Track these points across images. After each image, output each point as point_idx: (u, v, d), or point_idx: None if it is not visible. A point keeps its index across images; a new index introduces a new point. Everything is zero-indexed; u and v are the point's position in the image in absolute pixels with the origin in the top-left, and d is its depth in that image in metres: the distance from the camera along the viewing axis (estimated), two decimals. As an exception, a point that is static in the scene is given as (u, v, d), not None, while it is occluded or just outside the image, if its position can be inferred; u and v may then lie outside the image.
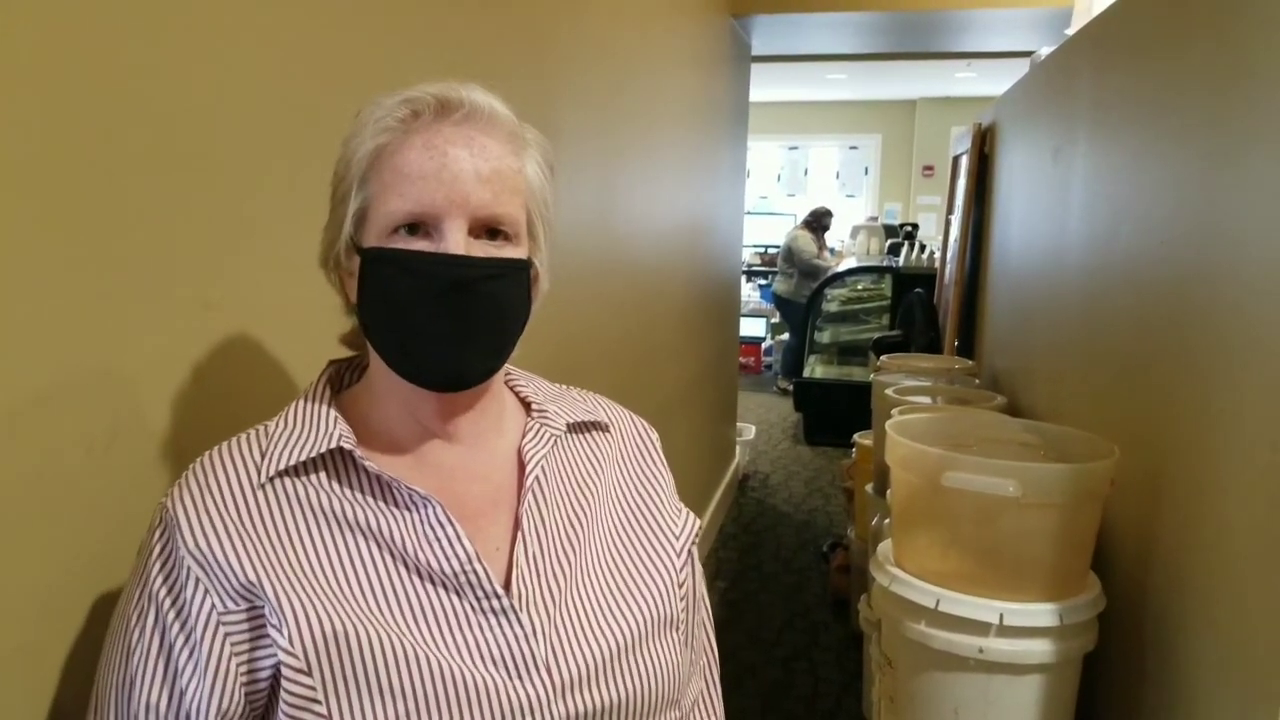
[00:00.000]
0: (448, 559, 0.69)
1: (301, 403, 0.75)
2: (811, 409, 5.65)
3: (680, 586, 0.81)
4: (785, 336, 7.13)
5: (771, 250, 8.17)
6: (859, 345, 5.82)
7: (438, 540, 0.70)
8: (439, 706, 0.65)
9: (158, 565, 0.66)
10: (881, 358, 3.38)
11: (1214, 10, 1.44)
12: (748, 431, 5.15)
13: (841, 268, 6.40)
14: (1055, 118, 2.52)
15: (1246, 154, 1.29)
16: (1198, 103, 1.48)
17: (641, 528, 0.81)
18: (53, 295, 0.70)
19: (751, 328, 7.95)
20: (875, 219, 8.48)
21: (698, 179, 3.52)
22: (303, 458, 0.70)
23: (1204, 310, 1.40)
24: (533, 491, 0.76)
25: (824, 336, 6.20)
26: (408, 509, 0.70)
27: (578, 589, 0.74)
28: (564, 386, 0.89)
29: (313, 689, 0.64)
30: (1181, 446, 1.45)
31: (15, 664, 0.69)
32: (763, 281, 8.50)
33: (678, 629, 0.79)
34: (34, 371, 0.69)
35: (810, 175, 9.29)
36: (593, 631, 0.72)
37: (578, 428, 0.83)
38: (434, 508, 0.70)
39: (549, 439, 0.79)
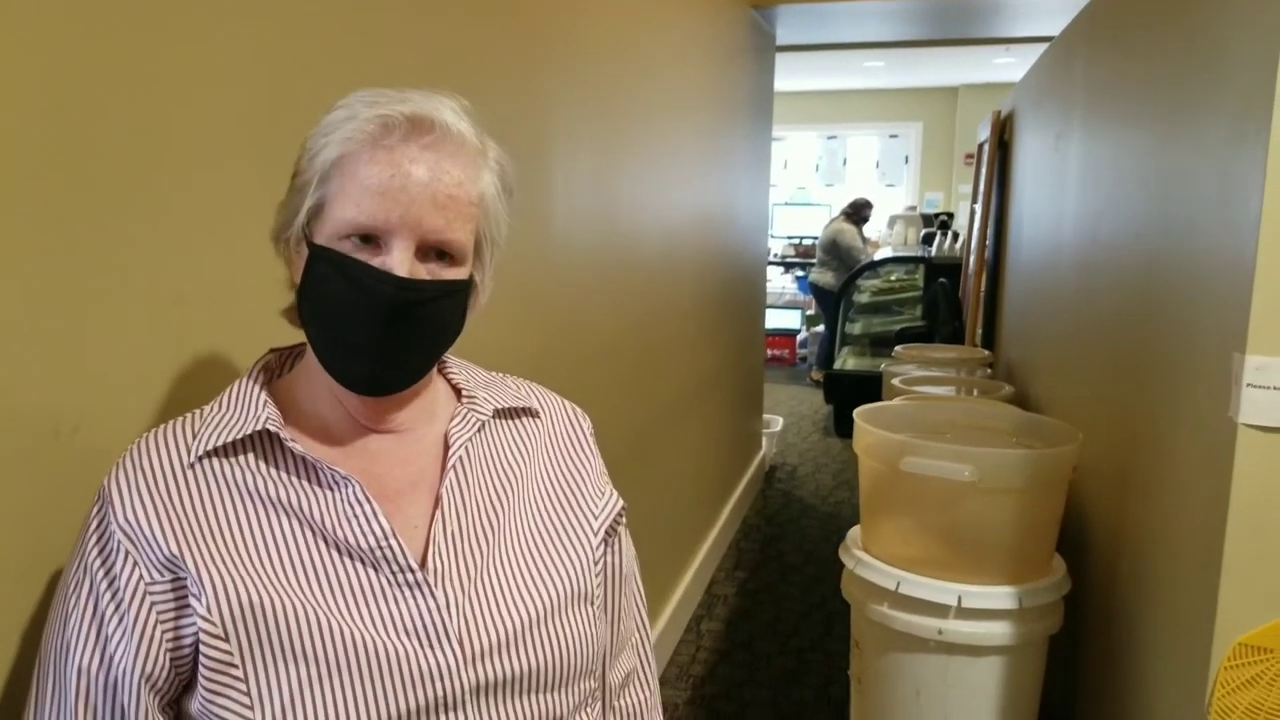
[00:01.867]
0: (364, 535, 0.73)
1: (236, 387, 0.78)
2: (842, 401, 5.63)
3: (596, 564, 0.84)
4: (820, 328, 7.11)
5: (807, 242, 8.13)
6: (890, 337, 5.78)
7: (356, 518, 0.73)
8: (350, 671, 0.69)
9: (94, 538, 0.71)
10: (897, 348, 3.38)
11: (1176, 6, 1.45)
12: (775, 423, 5.16)
13: (874, 257, 6.36)
14: (1057, 104, 2.51)
15: (1195, 147, 1.30)
16: (1161, 95, 1.48)
17: (563, 507, 0.85)
18: (28, 286, 0.77)
19: (787, 320, 7.93)
20: (914, 208, 8.38)
21: (714, 170, 3.53)
22: (230, 439, 0.74)
23: (1165, 302, 1.41)
24: (454, 472, 0.79)
25: (855, 328, 6.17)
26: (330, 489, 0.74)
27: (494, 564, 0.77)
28: (501, 375, 0.91)
29: (229, 653, 0.68)
30: (1144, 436, 1.46)
31: None
32: (800, 273, 8.47)
33: (592, 603, 0.82)
34: (6, 357, 0.75)
35: (849, 165, 9.20)
36: (507, 604, 0.75)
37: (506, 413, 0.87)
38: (353, 487, 0.74)
39: (475, 423, 0.82)
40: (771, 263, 8.09)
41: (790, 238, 8.28)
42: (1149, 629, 1.37)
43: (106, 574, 0.70)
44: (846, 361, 6.00)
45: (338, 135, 0.73)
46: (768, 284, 5.37)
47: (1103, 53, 1.95)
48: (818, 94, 8.91)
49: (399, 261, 0.71)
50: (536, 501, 0.84)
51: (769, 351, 7.67)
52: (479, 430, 0.83)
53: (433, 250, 0.74)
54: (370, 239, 0.72)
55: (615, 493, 0.91)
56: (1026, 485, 1.47)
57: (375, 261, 0.71)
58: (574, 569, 0.81)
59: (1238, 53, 1.17)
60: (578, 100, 1.96)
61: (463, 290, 0.77)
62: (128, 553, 0.70)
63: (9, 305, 0.76)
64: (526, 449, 0.86)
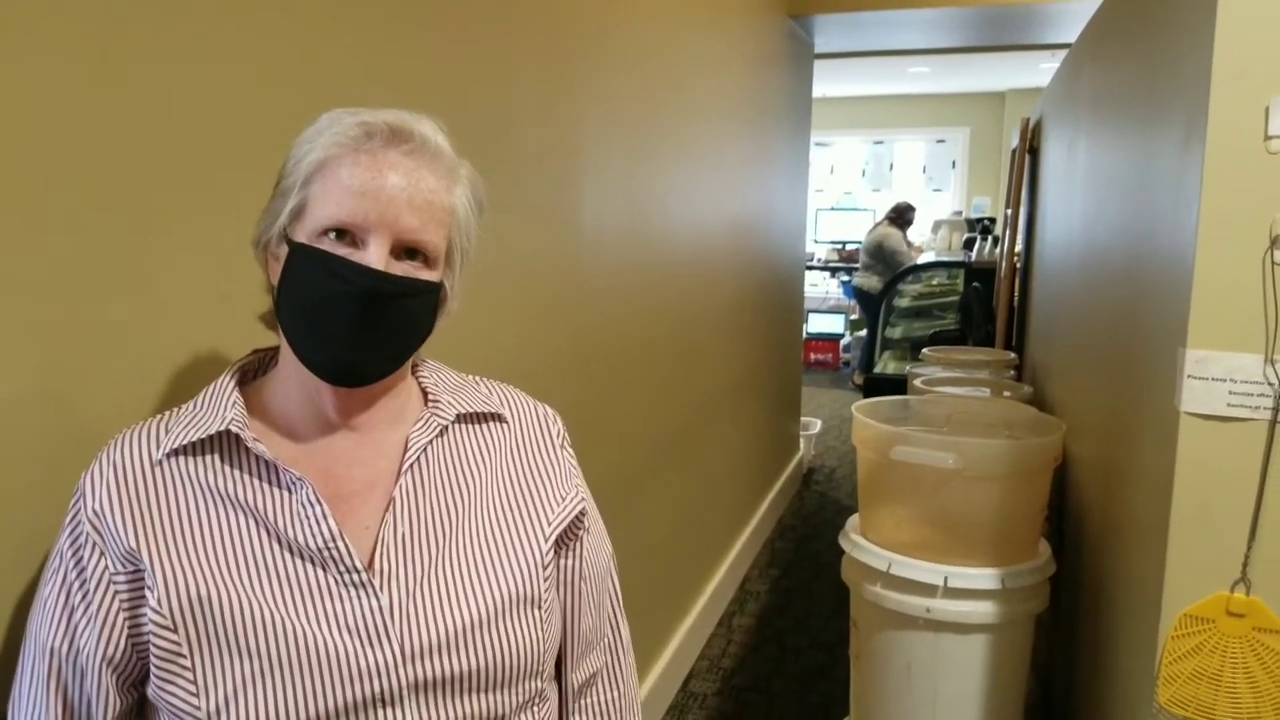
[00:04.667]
0: (314, 535, 0.75)
1: (212, 386, 0.82)
2: (882, 404, 5.68)
3: (546, 568, 0.84)
4: (863, 333, 7.16)
5: (850, 246, 8.17)
6: (929, 341, 5.82)
7: (306, 519, 0.76)
8: (291, 666, 0.72)
9: (69, 528, 0.75)
10: (925, 350, 3.46)
11: (1154, 22, 1.54)
12: (813, 426, 5.25)
13: (916, 262, 6.39)
14: (1069, 112, 2.58)
15: (1158, 156, 1.40)
16: (1138, 105, 1.58)
17: (518, 512, 0.86)
18: (82, 289, 0.84)
19: (831, 324, 7.98)
20: (960, 213, 8.37)
21: (751, 176, 3.62)
22: (195, 438, 0.77)
23: (1137, 302, 1.50)
24: (409, 475, 0.81)
25: (896, 332, 6.21)
26: (286, 489, 0.77)
27: (443, 567, 0.79)
28: (475, 379, 0.94)
29: (178, 644, 0.72)
30: (1119, 428, 1.55)
31: None
32: (845, 278, 8.50)
33: (539, 607, 0.83)
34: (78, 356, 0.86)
35: (895, 170, 9.22)
36: (451, 606, 0.77)
37: (470, 418, 0.88)
38: (306, 488, 0.76)
39: (435, 427, 0.84)
40: (815, 267, 8.16)
41: (834, 242, 8.33)
42: (1115, 606, 1.47)
43: (76, 563, 0.74)
44: (887, 365, 6.05)
45: (322, 140, 0.77)
46: (812, 288, 5.44)
47: (1101, 62, 2.03)
48: (864, 99, 8.96)
49: (375, 257, 0.75)
50: (493, 505, 0.85)
51: (812, 356, 7.74)
52: (439, 434, 0.85)
53: (406, 250, 0.77)
54: (346, 235, 0.75)
55: (580, 494, 0.92)
56: (1008, 473, 1.57)
57: (353, 257, 0.75)
58: (521, 574, 0.82)
59: (1186, 70, 1.26)
60: (609, 107, 2.03)
61: (434, 292, 0.80)
62: (95, 544, 0.74)
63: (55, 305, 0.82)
64: (489, 453, 0.87)
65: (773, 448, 4.34)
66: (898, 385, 5.64)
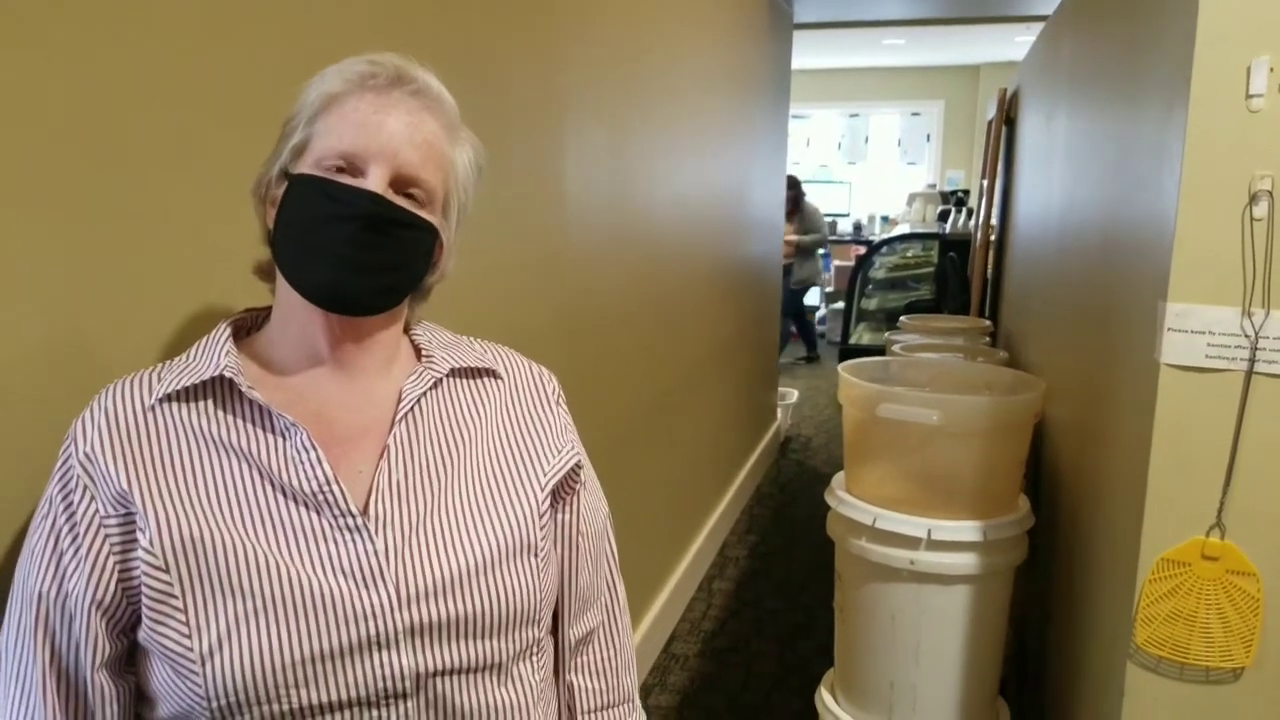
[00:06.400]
0: (308, 480, 0.75)
1: (205, 338, 0.82)
2: (857, 374, 5.76)
3: (542, 517, 0.85)
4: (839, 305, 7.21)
5: (827, 220, 8.21)
6: (904, 311, 5.90)
7: (301, 464, 0.76)
8: (286, 607, 0.72)
9: (59, 473, 0.75)
10: (902, 318, 3.51)
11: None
12: (790, 396, 5.31)
13: (891, 234, 6.45)
14: (1048, 83, 2.62)
15: (1139, 122, 1.44)
16: (1119, 75, 1.61)
17: (515, 463, 0.87)
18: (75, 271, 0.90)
19: (808, 296, 8.02)
20: (934, 186, 8.45)
21: (730, 147, 3.63)
22: (189, 383, 0.77)
23: (1115, 263, 1.55)
24: (404, 423, 0.82)
25: (871, 303, 6.29)
26: (281, 435, 0.77)
27: (439, 514, 0.79)
28: (468, 338, 0.95)
29: (169, 584, 0.72)
30: (1097, 384, 1.60)
31: None
32: (822, 251, 8.54)
33: (536, 555, 0.83)
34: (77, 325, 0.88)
35: (871, 143, 9.27)
36: (446, 551, 0.78)
37: (464, 373, 0.89)
38: (300, 434, 0.76)
39: (429, 380, 0.85)
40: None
41: (811, 216, 8.36)
42: (1091, 553, 1.52)
43: (66, 506, 0.74)
44: (862, 336, 6.13)
45: (329, 78, 0.79)
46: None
47: (1082, 33, 2.07)
48: (840, 71, 8.97)
49: (375, 184, 0.77)
50: (488, 457, 0.85)
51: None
52: (433, 387, 0.85)
53: (404, 187, 0.79)
54: (345, 169, 0.77)
55: (575, 448, 0.92)
56: (990, 429, 1.62)
57: (353, 183, 0.77)
58: (518, 521, 0.83)
59: (1168, 37, 1.30)
60: (592, 76, 2.04)
61: (428, 230, 0.81)
62: (85, 487, 0.74)
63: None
64: (483, 407, 0.88)
65: (750, 417, 4.39)
66: (875, 355, 5.72)
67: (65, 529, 0.73)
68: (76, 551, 0.73)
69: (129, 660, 0.76)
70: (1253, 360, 1.19)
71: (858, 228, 8.22)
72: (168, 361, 0.82)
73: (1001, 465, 1.66)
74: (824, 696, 1.86)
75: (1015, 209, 3.44)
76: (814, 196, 8.45)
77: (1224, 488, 1.22)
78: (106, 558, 0.73)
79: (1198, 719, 1.27)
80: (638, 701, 1.03)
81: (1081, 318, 1.80)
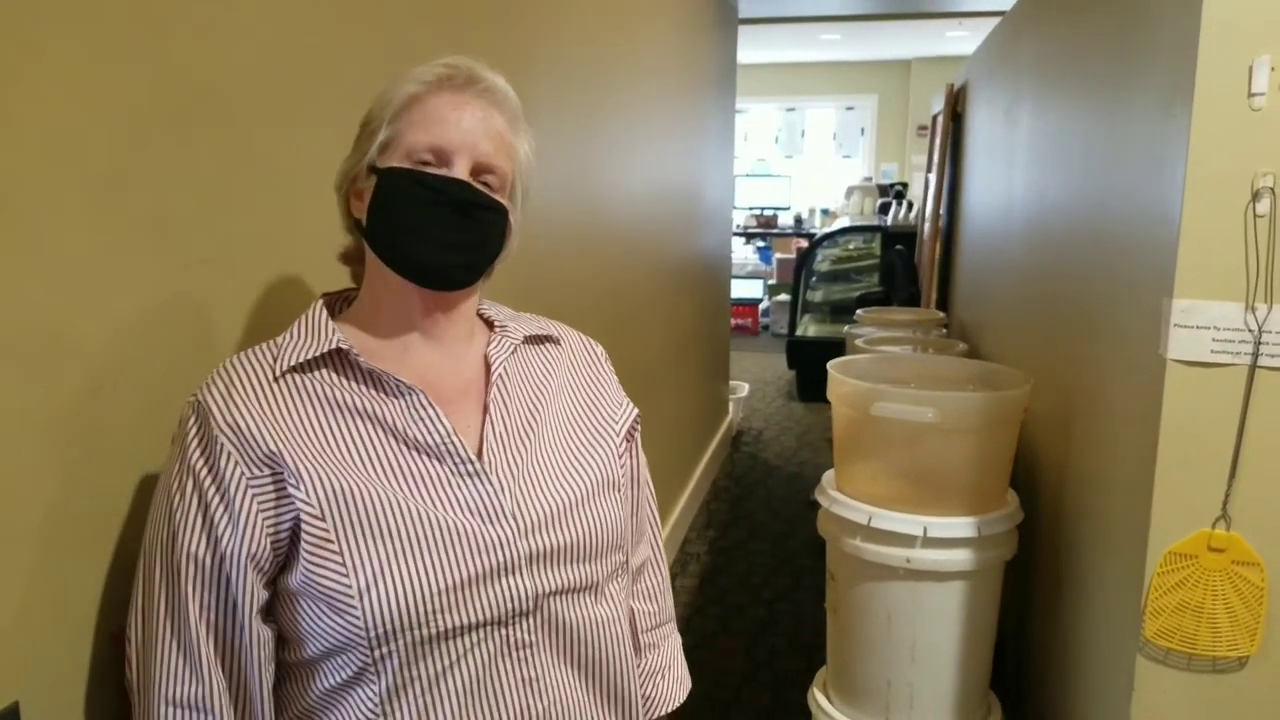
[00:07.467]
0: (430, 433, 0.86)
1: (304, 319, 0.91)
2: (804, 366, 5.81)
3: (620, 458, 1.00)
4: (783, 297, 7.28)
5: (768, 213, 8.28)
6: (850, 304, 5.96)
7: (422, 420, 0.87)
8: (426, 544, 0.82)
9: (195, 443, 0.82)
10: (858, 312, 3.54)
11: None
12: (741, 389, 5.32)
13: (833, 227, 6.52)
14: (1007, 77, 2.66)
15: (1132, 119, 1.45)
16: (1103, 71, 1.63)
17: (589, 415, 1.00)
18: (70, 251, 0.85)
19: (750, 289, 8.09)
20: (870, 179, 8.58)
21: (682, 141, 3.62)
22: (308, 356, 0.87)
23: (1104, 258, 1.56)
24: (497, 385, 0.94)
25: (816, 295, 6.35)
26: (396, 396, 0.87)
27: (536, 459, 0.92)
28: (522, 312, 1.06)
29: (326, 531, 0.81)
30: (1085, 378, 1.62)
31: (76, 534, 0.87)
32: (761, 244, 8.62)
33: (618, 490, 0.98)
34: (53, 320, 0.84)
35: (807, 136, 9.36)
36: (549, 489, 0.90)
37: (533, 340, 1.02)
38: (418, 395, 0.87)
39: (509, 347, 0.97)
40: (735, 234, 8.24)
41: (752, 209, 8.43)
42: (1091, 547, 1.54)
43: (211, 472, 0.81)
44: (808, 328, 6.18)
45: (409, 80, 0.89)
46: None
47: (1050, 29, 2.09)
48: (777, 66, 9.04)
49: (461, 172, 0.87)
50: (566, 410, 0.99)
51: (733, 320, 7.84)
52: (512, 353, 0.98)
53: (481, 174, 0.89)
54: (433, 162, 0.87)
55: (631, 404, 1.08)
56: (983, 425, 1.63)
57: (443, 173, 0.87)
58: (603, 462, 0.97)
59: (1165, 36, 1.31)
60: (549, 68, 2.02)
61: (504, 213, 0.92)
62: (230, 453, 0.81)
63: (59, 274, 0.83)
64: (552, 369, 1.01)
65: (705, 412, 4.39)
66: (820, 346, 5.78)
67: (213, 492, 0.80)
68: (228, 510, 0.80)
69: (268, 609, 0.85)
70: (1256, 354, 1.21)
71: (798, 221, 8.29)
72: (268, 342, 0.90)
73: (993, 461, 1.67)
74: (817, 697, 1.86)
75: (965, 202, 3.49)
76: (754, 190, 8.53)
77: (1229, 480, 1.24)
78: (256, 515, 0.81)
79: (1205, 708, 1.29)
80: (675, 621, 1.19)
81: (1061, 311, 1.83)
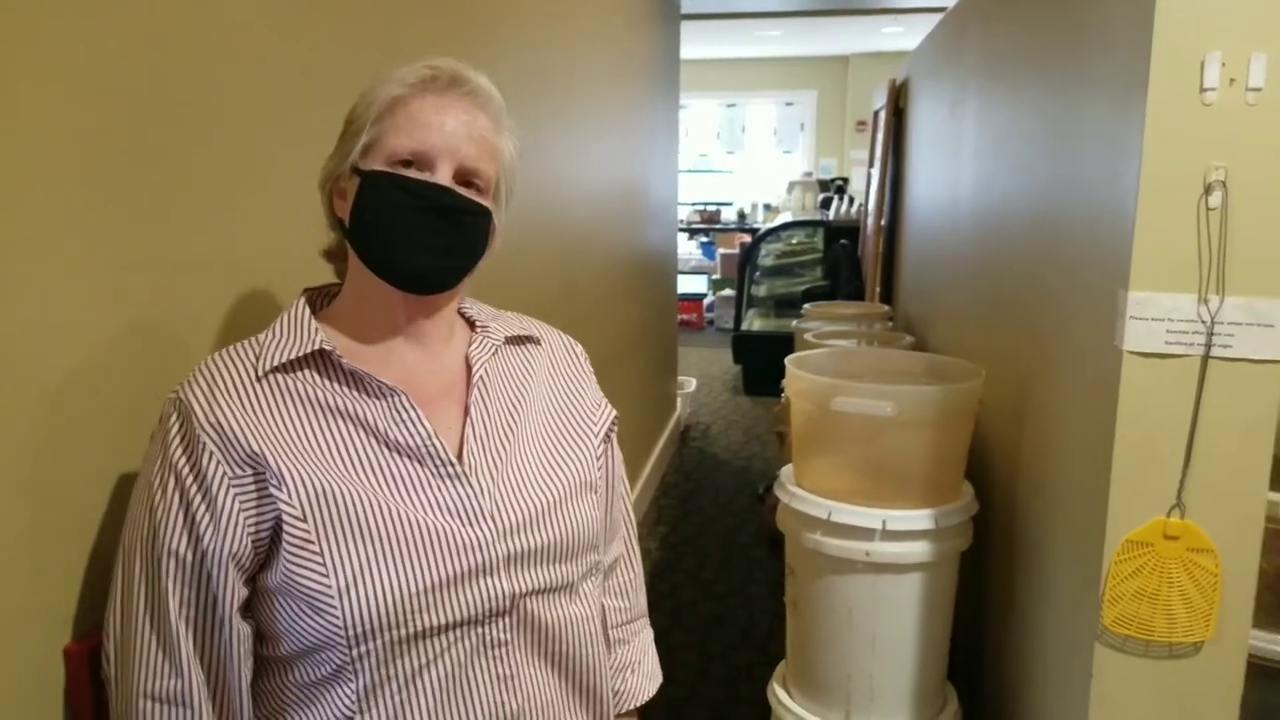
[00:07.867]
0: (412, 435, 0.87)
1: (285, 318, 0.91)
2: (749, 361, 5.84)
3: (598, 460, 1.01)
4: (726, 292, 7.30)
5: (711, 208, 8.30)
6: (794, 298, 6.01)
7: (404, 422, 0.87)
8: (406, 545, 0.83)
9: (176, 441, 0.82)
10: (805, 306, 3.56)
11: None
12: (689, 385, 5.33)
13: (775, 222, 6.56)
14: (952, 72, 2.69)
15: (1085, 113, 1.47)
16: (1054, 66, 1.65)
17: (568, 416, 1.01)
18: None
19: (694, 284, 8.11)
20: (810, 174, 8.66)
21: (627, 137, 3.61)
22: (291, 357, 0.86)
23: (1056, 250, 1.58)
24: (478, 386, 0.94)
25: (760, 290, 6.39)
26: (378, 397, 0.88)
27: (516, 460, 0.92)
28: (503, 311, 1.06)
29: (308, 532, 0.81)
30: (1037, 370, 1.64)
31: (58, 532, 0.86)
32: (705, 239, 8.64)
33: (595, 491, 0.98)
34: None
35: (748, 132, 9.41)
36: (528, 491, 0.91)
37: (514, 340, 1.02)
38: (400, 396, 0.87)
39: (491, 348, 0.97)
40: (679, 229, 8.25)
41: (695, 204, 8.44)
42: (1048, 536, 1.56)
43: (192, 470, 0.81)
44: (753, 323, 6.21)
45: (392, 82, 0.88)
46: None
47: (996, 25, 2.12)
48: (718, 62, 9.06)
49: (443, 178, 0.87)
50: (546, 412, 0.99)
51: (679, 315, 7.85)
52: (493, 354, 0.98)
53: (465, 178, 0.89)
54: (413, 166, 0.87)
55: (609, 405, 1.08)
56: (939, 418, 1.64)
57: (425, 178, 0.87)
58: (581, 464, 0.97)
59: (1119, 31, 1.33)
60: (485, 62, 1.97)
61: (487, 216, 0.92)
62: (212, 452, 0.81)
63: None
64: (533, 370, 1.02)
65: (654, 407, 4.38)
66: (766, 341, 5.82)
67: (194, 490, 0.80)
68: (209, 508, 0.80)
69: (247, 606, 0.85)
70: (1209, 345, 1.23)
71: (741, 216, 8.33)
72: (250, 339, 0.90)
73: (950, 452, 1.69)
74: (777, 691, 1.85)
75: (910, 196, 3.54)
76: (695, 185, 8.54)
77: (1183, 468, 1.26)
78: (238, 514, 0.81)
79: (1162, 693, 1.31)
80: (648, 617, 1.21)
81: (1013, 304, 1.85)
